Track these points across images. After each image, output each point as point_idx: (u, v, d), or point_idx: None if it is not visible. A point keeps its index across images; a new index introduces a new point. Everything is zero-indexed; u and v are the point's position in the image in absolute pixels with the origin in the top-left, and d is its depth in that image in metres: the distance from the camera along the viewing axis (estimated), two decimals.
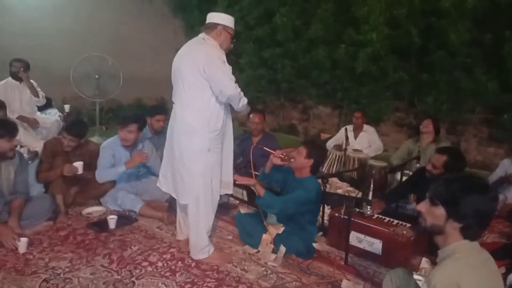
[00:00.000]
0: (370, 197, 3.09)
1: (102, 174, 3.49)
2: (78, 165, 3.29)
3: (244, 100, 2.67)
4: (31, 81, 4.97)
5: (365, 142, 5.10)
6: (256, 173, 4.01)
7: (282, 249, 2.87)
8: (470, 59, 5.31)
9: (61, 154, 3.47)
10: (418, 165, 4.12)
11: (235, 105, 2.65)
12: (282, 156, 2.99)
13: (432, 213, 1.46)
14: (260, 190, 2.86)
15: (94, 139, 5.49)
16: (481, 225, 1.46)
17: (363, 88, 6.35)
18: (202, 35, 2.65)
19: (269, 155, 3.09)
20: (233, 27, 2.69)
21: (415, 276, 2.33)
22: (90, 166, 3.51)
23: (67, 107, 5.75)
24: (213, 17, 2.66)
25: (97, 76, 5.90)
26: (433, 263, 2.81)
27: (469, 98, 5.59)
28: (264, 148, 3.11)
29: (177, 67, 2.63)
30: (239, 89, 2.58)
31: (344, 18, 6.39)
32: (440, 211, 1.44)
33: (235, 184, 3.26)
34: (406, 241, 2.70)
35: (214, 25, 2.63)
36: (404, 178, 3.94)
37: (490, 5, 5.14)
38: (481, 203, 1.41)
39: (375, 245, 2.83)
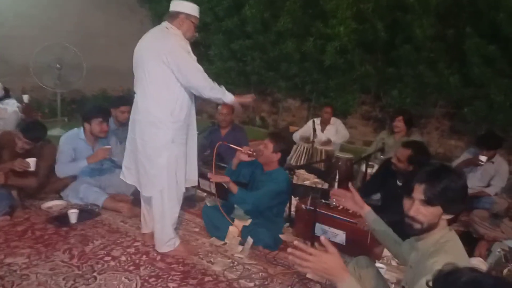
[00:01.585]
0: (336, 188, 3.12)
1: (62, 169, 3.36)
2: (31, 161, 3.11)
3: (220, 91, 2.55)
4: None
5: (332, 132, 5.17)
6: (224, 165, 3.99)
7: (250, 240, 2.87)
8: (434, 54, 5.48)
9: (12, 149, 3.24)
10: (382, 157, 4.21)
11: (207, 96, 2.53)
12: (250, 152, 2.96)
13: (428, 214, 1.45)
14: (233, 188, 2.86)
15: (56, 131, 5.30)
16: (463, 209, 1.54)
17: (331, 81, 6.44)
18: (165, 23, 2.58)
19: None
20: (197, 16, 2.62)
21: (377, 264, 2.40)
22: (39, 167, 3.25)
23: (25, 97, 5.49)
24: (176, 5, 2.58)
25: (58, 66, 5.68)
26: None
27: (433, 92, 5.78)
28: (230, 145, 3.05)
29: (139, 57, 2.55)
30: (209, 80, 2.51)
31: (313, 11, 6.43)
32: (438, 210, 1.45)
33: (202, 176, 3.23)
34: (369, 231, 2.75)
35: (177, 14, 2.56)
36: (369, 170, 4.03)
37: (453, 1, 5.30)
38: (465, 189, 1.48)
39: (339, 236, 2.88)
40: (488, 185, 3.91)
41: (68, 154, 3.39)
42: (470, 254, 2.87)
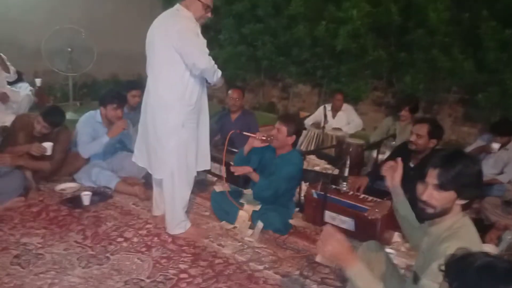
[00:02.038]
0: (346, 174, 3.12)
1: (86, 149, 3.43)
2: (48, 145, 3.16)
3: (218, 73, 2.61)
4: (1, 55, 4.75)
5: (343, 120, 5.12)
6: (235, 150, 4.00)
7: (260, 224, 2.89)
8: (448, 38, 5.36)
9: (28, 132, 3.29)
10: (393, 143, 4.17)
11: (209, 78, 2.59)
12: (264, 138, 2.93)
13: (442, 199, 1.44)
14: (255, 177, 2.87)
15: (68, 115, 5.34)
16: (478, 194, 1.54)
17: (343, 66, 6.35)
18: (177, 6, 2.56)
19: (247, 132, 3.06)
20: None
21: (387, 250, 2.40)
22: (55, 151, 3.29)
23: (38, 81, 5.52)
24: None
25: (69, 50, 5.69)
26: (404, 237, 2.89)
27: (446, 77, 5.67)
28: (244, 133, 3.02)
29: (150, 40, 2.55)
30: (212, 62, 2.52)
31: None
32: (451, 195, 1.44)
33: (213, 160, 3.24)
34: (377, 219, 2.75)
35: None
36: (380, 156, 4.00)
37: None
38: (480, 174, 1.47)
39: (348, 223, 2.88)
40: (502, 173, 3.87)
41: (88, 135, 3.45)
42: (481, 241, 2.85)
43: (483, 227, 3.05)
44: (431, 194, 1.45)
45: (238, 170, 2.88)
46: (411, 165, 3.07)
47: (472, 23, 5.17)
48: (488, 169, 3.92)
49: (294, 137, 2.99)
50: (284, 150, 3.01)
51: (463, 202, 1.47)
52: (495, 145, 3.47)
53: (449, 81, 5.75)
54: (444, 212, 1.47)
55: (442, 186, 1.43)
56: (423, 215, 1.51)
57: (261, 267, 2.47)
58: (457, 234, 1.40)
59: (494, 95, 5.11)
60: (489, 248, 2.59)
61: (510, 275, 0.86)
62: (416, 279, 1.43)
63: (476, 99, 5.35)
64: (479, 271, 0.88)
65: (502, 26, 4.86)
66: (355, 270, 1.33)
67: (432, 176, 1.45)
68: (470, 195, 1.46)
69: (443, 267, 0.96)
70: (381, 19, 5.82)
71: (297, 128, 3.07)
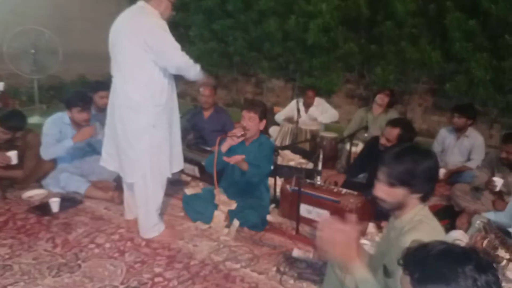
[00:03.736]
0: (320, 168, 3.13)
1: (47, 151, 3.28)
2: (12, 154, 3.05)
3: (196, 68, 2.56)
4: None
5: (317, 112, 5.16)
6: (208, 148, 3.95)
7: (236, 223, 2.87)
8: (416, 30, 5.47)
9: None
10: (366, 135, 4.23)
11: (187, 75, 2.53)
12: (243, 133, 2.89)
13: (393, 194, 1.48)
14: (244, 165, 2.85)
15: (35, 119, 5.18)
16: (433, 188, 1.53)
17: (315, 60, 6.39)
18: (141, 2, 2.48)
19: (221, 129, 3.02)
20: None
21: (362, 241, 2.43)
22: (26, 158, 3.23)
23: (1, 85, 5.31)
24: None
25: (33, 51, 5.48)
26: (379, 227, 2.93)
27: (415, 68, 5.79)
28: (228, 136, 2.92)
29: (115, 38, 2.46)
30: (187, 57, 2.47)
31: None
32: (400, 190, 1.46)
33: (186, 161, 3.19)
34: (352, 210, 2.77)
35: None
36: (354, 149, 4.04)
37: None
38: (432, 169, 1.48)
39: (323, 216, 2.90)
40: (469, 160, 4.00)
41: (53, 137, 3.31)
42: (452, 227, 2.93)
43: (454, 213, 3.14)
44: (382, 189, 1.49)
45: (232, 160, 2.82)
46: None
47: (438, 14, 5.28)
48: (456, 157, 4.06)
49: (264, 121, 3.02)
50: (255, 136, 3.04)
51: (417, 195, 1.49)
52: (499, 181, 3.05)
53: (418, 72, 5.88)
54: (400, 206, 1.50)
55: (390, 183, 1.47)
56: (383, 209, 1.55)
57: (237, 266, 2.45)
58: (417, 227, 1.43)
59: (462, 84, 5.25)
60: (459, 234, 2.66)
61: (465, 256, 0.90)
62: (386, 272, 1.44)
63: (445, 88, 5.49)
64: (437, 257, 0.92)
65: (467, 17, 4.98)
66: (360, 274, 1.29)
67: (382, 173, 1.49)
68: (423, 189, 1.48)
69: (401, 261, 0.97)
70: (351, 12, 5.87)
71: (264, 109, 3.07)
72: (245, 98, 7.35)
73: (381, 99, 4.46)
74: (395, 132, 2.98)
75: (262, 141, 3.07)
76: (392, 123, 3.08)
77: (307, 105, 5.18)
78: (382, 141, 3.06)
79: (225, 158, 2.81)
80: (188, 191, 3.12)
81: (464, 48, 5.11)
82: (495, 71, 5.00)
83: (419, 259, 0.93)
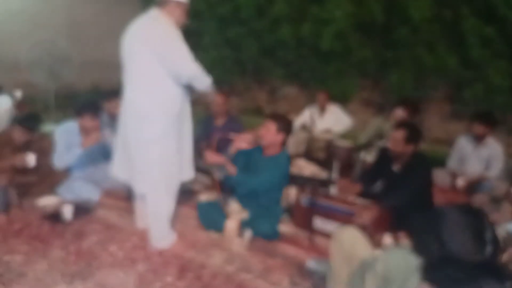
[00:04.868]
0: (335, 178, 3.09)
1: (61, 158, 3.31)
2: (30, 156, 3.10)
3: (208, 79, 2.54)
4: None
5: (331, 121, 5.09)
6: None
7: (248, 233, 2.83)
8: (432, 36, 5.39)
9: (10, 145, 3.24)
10: (381, 143, 4.16)
11: (198, 85, 2.51)
12: (249, 138, 2.89)
13: None
14: (232, 169, 2.81)
15: (50, 126, 5.24)
16: None
17: (329, 67, 6.35)
18: (154, 11, 2.49)
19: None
20: (187, 1, 2.53)
21: (377, 252, 2.36)
22: (41, 163, 3.28)
23: (18, 94, 5.41)
24: None
25: (50, 61, 5.58)
26: (396, 238, 2.85)
27: (431, 75, 5.70)
28: (229, 138, 2.96)
29: (127, 47, 2.47)
30: (200, 69, 2.46)
31: None
32: None
33: (198, 170, 3.17)
34: (365, 227, 2.71)
35: (166, 1, 2.47)
36: (369, 157, 3.98)
37: None
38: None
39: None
40: (487, 169, 3.91)
41: (64, 144, 3.34)
42: None
43: None
44: None
45: (213, 158, 2.78)
46: (394, 169, 3.05)
47: (454, 20, 5.21)
48: (475, 166, 3.97)
49: (283, 134, 2.91)
50: (273, 150, 2.95)
51: None
52: None
53: (435, 78, 5.78)
54: None
55: None
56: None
57: (250, 276, 2.42)
58: None
59: (479, 91, 5.15)
60: None
61: None
62: None
63: (462, 95, 5.39)
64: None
65: (483, 23, 4.90)
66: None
67: None
68: None
69: None
70: (365, 18, 5.84)
71: (287, 124, 2.98)
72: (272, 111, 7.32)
73: (399, 115, 4.24)
74: (400, 133, 2.97)
75: (276, 163, 2.92)
76: (397, 125, 3.11)
77: (322, 108, 5.09)
78: (390, 144, 3.06)
79: (207, 155, 2.83)
80: (203, 198, 3.10)
81: (481, 55, 5.02)
82: None
83: None
